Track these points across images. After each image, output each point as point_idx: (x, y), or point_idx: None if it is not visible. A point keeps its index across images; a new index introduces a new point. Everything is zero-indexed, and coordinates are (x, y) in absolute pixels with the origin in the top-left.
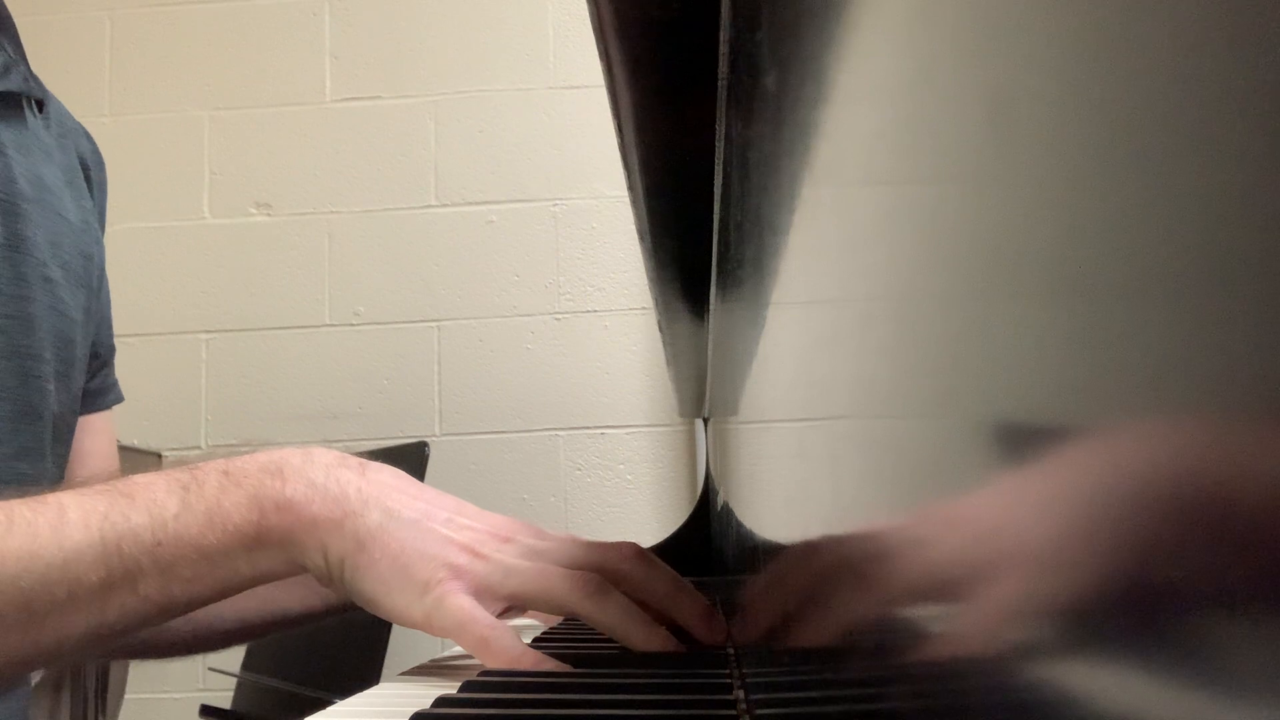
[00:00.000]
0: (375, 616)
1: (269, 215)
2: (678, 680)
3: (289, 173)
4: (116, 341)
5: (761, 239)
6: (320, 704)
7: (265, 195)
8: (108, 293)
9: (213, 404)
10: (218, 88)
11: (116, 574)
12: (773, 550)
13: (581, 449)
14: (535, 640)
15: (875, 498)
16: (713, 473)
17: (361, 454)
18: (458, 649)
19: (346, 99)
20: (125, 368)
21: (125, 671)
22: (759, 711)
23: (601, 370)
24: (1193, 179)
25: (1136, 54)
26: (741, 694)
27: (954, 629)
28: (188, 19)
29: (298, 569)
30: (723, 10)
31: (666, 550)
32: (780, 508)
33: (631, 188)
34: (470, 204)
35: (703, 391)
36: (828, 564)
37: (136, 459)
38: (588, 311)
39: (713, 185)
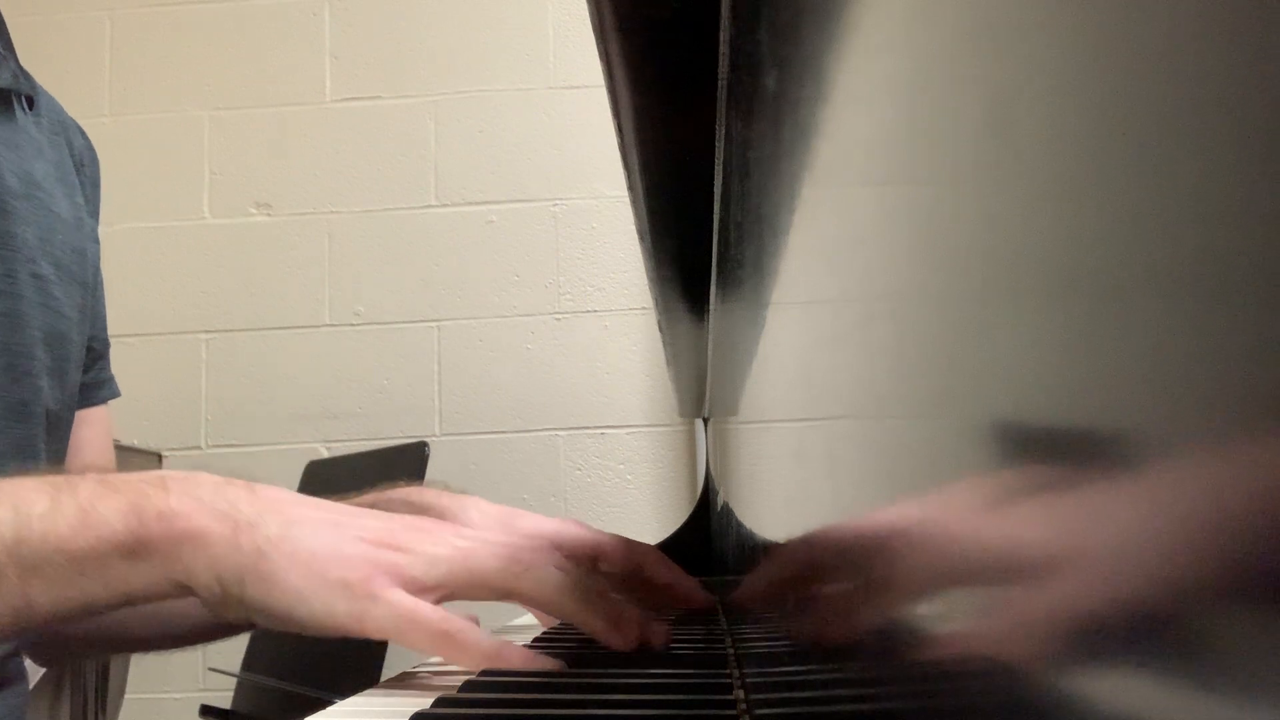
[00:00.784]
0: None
1: (269, 215)
2: (678, 680)
3: (289, 173)
4: (117, 342)
5: (761, 239)
6: (320, 704)
7: (265, 195)
8: (102, 288)
9: (212, 404)
10: (218, 88)
11: None
12: (773, 550)
13: (581, 449)
14: (535, 641)
15: (875, 497)
16: (713, 473)
17: (361, 454)
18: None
19: (346, 99)
20: (125, 368)
21: (125, 671)
22: (759, 711)
23: (601, 370)
24: (1192, 179)
25: (1136, 54)
26: (741, 694)
27: (954, 628)
28: (188, 19)
29: (178, 590)
30: (723, 10)
31: (666, 550)
32: (780, 508)
33: (631, 188)
34: (470, 204)
35: (703, 391)
36: (827, 564)
37: (136, 459)
38: (588, 311)
39: (713, 185)
